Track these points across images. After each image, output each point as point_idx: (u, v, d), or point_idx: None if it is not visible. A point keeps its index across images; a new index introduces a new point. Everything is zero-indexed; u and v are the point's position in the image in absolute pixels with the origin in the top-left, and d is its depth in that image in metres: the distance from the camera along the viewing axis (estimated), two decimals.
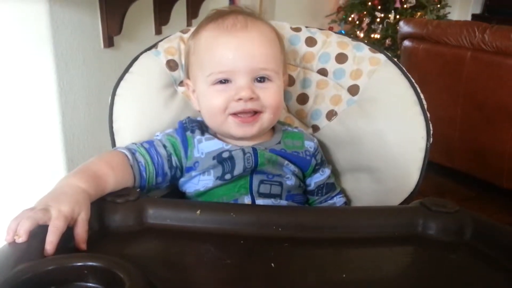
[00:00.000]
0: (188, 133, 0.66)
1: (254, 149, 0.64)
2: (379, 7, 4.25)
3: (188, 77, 0.71)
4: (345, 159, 0.73)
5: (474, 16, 5.03)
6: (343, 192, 0.74)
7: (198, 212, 0.54)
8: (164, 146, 0.64)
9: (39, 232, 0.43)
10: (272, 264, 0.47)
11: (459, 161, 2.20)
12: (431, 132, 0.68)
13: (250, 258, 0.49)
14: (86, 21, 1.24)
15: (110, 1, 1.28)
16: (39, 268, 0.38)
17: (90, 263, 0.39)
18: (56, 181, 1.13)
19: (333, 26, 4.66)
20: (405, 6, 4.14)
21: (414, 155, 0.67)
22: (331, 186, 0.72)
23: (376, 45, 0.79)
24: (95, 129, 1.30)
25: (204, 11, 2.32)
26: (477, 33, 2.13)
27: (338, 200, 0.71)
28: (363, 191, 0.72)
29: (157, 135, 0.67)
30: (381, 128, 0.69)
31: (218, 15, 0.67)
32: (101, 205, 0.53)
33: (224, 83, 0.63)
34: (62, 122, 1.16)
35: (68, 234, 0.45)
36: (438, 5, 4.41)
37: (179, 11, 1.97)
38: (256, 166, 0.63)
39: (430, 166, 0.69)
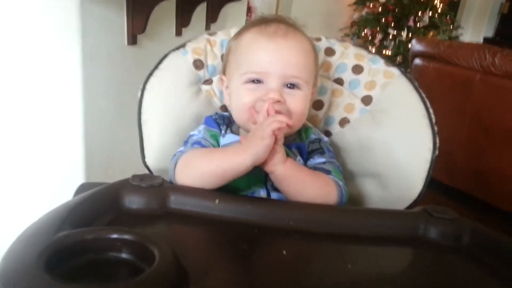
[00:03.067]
0: (221, 126, 0.72)
1: None
2: (393, 24, 4.30)
3: (224, 73, 0.75)
4: (353, 164, 0.77)
5: (485, 40, 5.07)
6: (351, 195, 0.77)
7: (217, 201, 0.58)
8: (211, 143, 0.69)
9: (78, 203, 0.48)
10: (284, 252, 0.51)
11: (461, 180, 2.22)
12: (437, 145, 0.72)
13: (263, 246, 0.53)
14: (113, 18, 1.30)
15: (137, 0, 1.34)
16: (79, 236, 0.43)
17: (125, 236, 0.44)
18: (74, 169, 1.17)
19: (346, 40, 4.70)
20: (418, 25, 4.19)
21: (419, 165, 0.72)
22: (320, 170, 0.70)
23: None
24: (113, 121, 1.36)
25: (223, 16, 2.38)
26: (487, 56, 2.15)
27: (330, 177, 0.69)
28: (368, 196, 0.76)
29: (195, 134, 0.71)
30: (390, 137, 0.74)
31: (262, 21, 0.72)
32: (127, 188, 0.58)
33: (256, 83, 0.68)
34: (84, 112, 1.21)
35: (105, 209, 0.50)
36: (451, 26, 4.46)
37: (199, 15, 2.03)
38: None
39: (432, 183, 0.72)
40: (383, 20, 4.28)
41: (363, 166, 0.76)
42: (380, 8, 4.31)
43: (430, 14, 4.17)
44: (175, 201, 0.58)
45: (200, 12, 2.03)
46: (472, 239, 0.58)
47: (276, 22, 0.71)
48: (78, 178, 1.24)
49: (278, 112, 0.64)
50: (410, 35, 4.08)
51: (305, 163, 0.71)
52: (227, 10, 2.41)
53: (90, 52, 1.19)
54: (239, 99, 0.69)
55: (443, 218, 0.60)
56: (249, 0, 2.64)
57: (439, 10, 4.23)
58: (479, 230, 0.59)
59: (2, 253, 0.41)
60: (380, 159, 0.74)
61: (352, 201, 0.76)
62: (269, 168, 0.61)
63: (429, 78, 2.38)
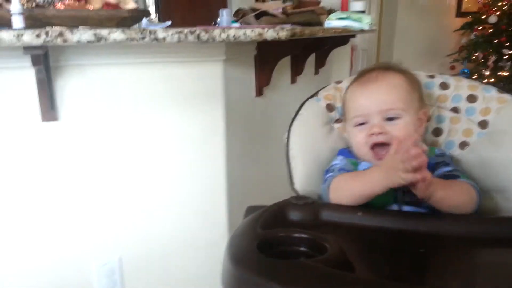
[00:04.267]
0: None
1: None
2: (507, 44, 4.08)
3: (345, 119, 0.94)
4: (477, 181, 0.86)
5: None
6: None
7: (360, 213, 0.74)
8: (351, 169, 0.86)
9: (262, 215, 0.67)
10: (421, 250, 0.64)
11: None
12: None
13: (402, 246, 0.67)
14: (245, 76, 1.57)
15: (262, 60, 1.60)
16: (275, 234, 0.62)
17: (303, 235, 0.62)
18: (219, 201, 1.40)
19: (455, 65, 4.59)
20: None
21: None
22: (450, 176, 0.79)
23: (506, 86, 0.92)
24: (248, 160, 1.60)
25: (330, 60, 2.60)
26: None
27: (462, 180, 0.78)
28: (495, 209, 0.84)
29: (337, 163, 0.88)
30: (510, 155, 0.83)
31: (359, 74, 0.92)
32: (287, 205, 0.77)
33: (362, 124, 0.85)
34: (227, 154, 1.46)
35: (277, 220, 0.69)
36: None
37: (310, 63, 2.26)
38: None
39: None
40: (496, 41, 4.09)
41: (486, 182, 0.85)
42: (491, 29, 4.14)
43: None
44: (326, 214, 0.75)
45: (310, 61, 2.27)
46: None
47: (370, 71, 0.89)
48: (222, 205, 1.48)
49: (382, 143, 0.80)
50: None
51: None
52: (333, 54, 2.62)
53: (230, 105, 1.45)
54: (355, 139, 0.87)
55: None
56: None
57: None
58: None
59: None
60: (502, 175, 0.83)
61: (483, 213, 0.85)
62: (424, 196, 0.72)
63: None
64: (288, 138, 0.94)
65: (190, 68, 1.34)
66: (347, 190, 0.79)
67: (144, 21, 1.36)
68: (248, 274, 0.53)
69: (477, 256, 0.68)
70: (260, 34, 1.17)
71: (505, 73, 4.02)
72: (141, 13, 1.24)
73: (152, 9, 3.41)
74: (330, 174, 0.85)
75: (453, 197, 0.73)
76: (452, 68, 4.60)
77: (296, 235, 0.62)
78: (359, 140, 0.85)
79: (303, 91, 1.64)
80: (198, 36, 1.09)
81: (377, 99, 0.84)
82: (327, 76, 2.61)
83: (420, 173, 0.67)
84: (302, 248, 0.62)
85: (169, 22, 1.40)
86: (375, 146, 0.84)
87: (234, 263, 0.56)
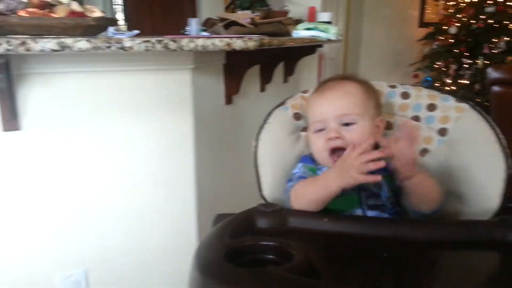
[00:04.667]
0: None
1: None
2: (467, 54, 4.27)
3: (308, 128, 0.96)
4: None
5: None
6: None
7: (326, 219, 0.76)
8: (310, 175, 0.88)
9: (230, 223, 0.68)
10: (385, 254, 0.67)
11: None
12: (511, 164, 0.84)
13: (365, 250, 0.69)
14: (214, 85, 1.57)
15: (231, 69, 1.61)
16: (242, 243, 0.63)
17: (270, 243, 0.63)
18: (189, 210, 1.39)
19: (418, 74, 4.75)
20: (493, 51, 4.11)
21: (495, 183, 0.83)
22: None
23: (463, 93, 0.97)
24: (217, 167, 1.61)
25: (298, 68, 2.64)
26: None
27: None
28: (454, 213, 0.88)
29: (297, 171, 0.90)
30: (468, 162, 0.87)
31: (320, 84, 0.96)
32: (255, 213, 0.77)
33: (321, 131, 0.88)
34: (196, 163, 1.46)
35: (246, 228, 0.70)
36: None
37: (278, 71, 2.29)
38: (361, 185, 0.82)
39: None
40: (456, 50, 4.27)
41: (446, 189, 0.89)
42: (452, 39, 4.32)
43: (507, 39, 4.08)
44: (293, 221, 0.77)
45: (279, 69, 2.30)
46: None
47: (328, 81, 0.94)
48: (191, 214, 1.47)
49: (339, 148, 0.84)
50: (487, 62, 4.01)
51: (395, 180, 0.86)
52: (301, 63, 2.67)
53: (199, 114, 1.45)
54: (314, 145, 0.91)
55: None
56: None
57: None
58: None
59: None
60: (461, 181, 0.87)
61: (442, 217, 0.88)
62: (408, 174, 0.77)
63: (510, 104, 2.37)
64: (256, 146, 0.95)
65: (158, 76, 1.33)
66: (305, 196, 0.81)
67: (111, 29, 1.35)
68: (215, 284, 0.53)
69: (438, 259, 0.71)
70: (229, 44, 1.18)
71: (465, 81, 4.19)
72: (107, 22, 1.22)
73: (120, 17, 3.36)
74: (290, 183, 0.87)
75: (427, 186, 0.78)
76: (416, 76, 4.77)
77: (263, 243, 0.63)
78: (319, 145, 0.88)
79: (272, 99, 1.66)
80: (166, 46, 1.09)
81: (333, 105, 0.88)
82: (295, 84, 2.65)
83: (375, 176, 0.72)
84: (269, 256, 0.62)
85: (137, 32, 1.39)
86: (334, 151, 0.86)
87: (201, 273, 0.56)
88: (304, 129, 0.99)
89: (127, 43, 1.04)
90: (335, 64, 4.23)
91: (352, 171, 0.74)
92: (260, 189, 0.93)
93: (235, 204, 0.88)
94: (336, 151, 0.86)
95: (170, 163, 1.41)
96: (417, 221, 0.74)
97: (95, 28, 1.18)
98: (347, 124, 0.87)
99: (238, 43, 1.18)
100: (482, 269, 0.69)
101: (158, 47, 1.08)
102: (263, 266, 0.61)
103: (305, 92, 1.03)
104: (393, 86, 0.99)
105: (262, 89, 2.08)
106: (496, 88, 2.45)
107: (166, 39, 1.09)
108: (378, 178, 0.73)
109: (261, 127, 0.97)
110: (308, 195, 0.81)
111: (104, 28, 1.25)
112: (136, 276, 1.41)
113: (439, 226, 0.75)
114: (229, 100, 1.69)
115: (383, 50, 5.03)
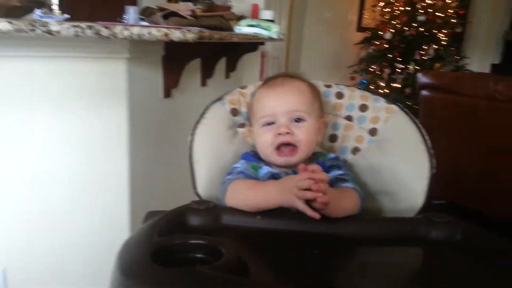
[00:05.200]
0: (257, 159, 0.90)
1: (294, 172, 0.85)
2: (400, 59, 4.50)
3: (250, 124, 0.95)
4: (366, 185, 0.93)
5: (494, 66, 5.15)
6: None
7: (259, 217, 0.75)
8: (251, 172, 0.87)
9: (160, 221, 0.65)
10: (315, 251, 0.67)
11: (474, 201, 2.28)
12: (434, 164, 0.88)
13: (297, 246, 0.70)
14: (152, 77, 1.52)
15: (170, 61, 1.56)
16: (170, 241, 0.60)
17: (199, 241, 0.61)
18: (121, 206, 1.32)
19: (355, 76, 4.95)
20: (424, 58, 4.38)
21: (420, 182, 0.88)
22: (340, 179, 0.84)
23: (394, 96, 1.01)
24: (153, 163, 1.55)
25: (240, 64, 2.63)
26: (491, 84, 2.24)
27: (348, 186, 0.82)
28: (383, 210, 0.91)
29: (238, 166, 0.88)
30: (395, 161, 0.91)
31: (267, 80, 0.95)
32: (187, 210, 0.75)
33: (270, 124, 0.87)
34: (130, 158, 1.40)
35: (177, 225, 0.67)
36: (458, 57, 4.63)
37: (220, 67, 2.27)
38: None
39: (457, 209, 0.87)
40: (390, 56, 4.50)
41: (374, 186, 0.92)
42: (386, 44, 4.54)
43: (436, 47, 4.37)
44: (226, 219, 0.75)
45: (221, 64, 2.27)
46: (464, 236, 0.73)
47: (276, 77, 0.93)
48: (124, 212, 1.41)
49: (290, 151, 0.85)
50: (418, 67, 4.27)
51: None
52: (244, 59, 2.66)
53: (135, 106, 1.39)
54: (261, 139, 0.89)
55: (440, 222, 0.75)
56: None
57: (444, 43, 4.43)
58: (470, 229, 0.74)
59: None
60: (389, 180, 0.91)
61: (370, 214, 0.91)
62: (319, 207, 0.72)
63: (437, 108, 2.51)
64: (191, 141, 0.92)
65: (90, 65, 1.25)
66: (242, 199, 0.80)
67: (39, 12, 1.25)
68: (138, 285, 0.50)
69: (366, 255, 0.73)
70: (167, 35, 1.14)
71: (397, 85, 4.43)
72: (33, 4, 1.13)
73: (55, 1, 3.14)
74: (229, 177, 0.85)
75: (341, 206, 0.77)
76: (352, 78, 4.96)
77: (192, 241, 0.61)
78: (266, 139, 0.87)
79: (213, 94, 1.63)
80: (98, 32, 1.02)
81: (284, 100, 0.87)
82: (237, 80, 2.64)
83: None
84: (198, 255, 0.61)
85: (67, 16, 1.30)
86: (281, 145, 0.86)
87: (124, 274, 0.53)
88: (242, 125, 0.98)
89: (54, 27, 0.97)
90: (277, 63, 4.28)
91: (294, 195, 0.71)
92: (194, 186, 0.91)
93: (171, 201, 0.85)
94: (282, 147, 0.86)
95: (101, 157, 1.33)
96: (346, 219, 0.76)
97: (20, 9, 1.09)
98: (297, 120, 0.87)
99: (177, 35, 1.15)
100: (407, 264, 0.72)
101: (89, 33, 1.01)
102: (192, 265, 0.59)
103: (243, 87, 1.02)
104: (328, 86, 1.01)
105: (203, 83, 2.04)
106: (424, 93, 2.58)
107: (98, 25, 1.03)
108: (316, 215, 0.71)
109: (197, 122, 0.94)
110: (245, 199, 0.79)
111: (29, 10, 1.16)
112: (60, 275, 1.33)
113: (368, 224, 0.77)
114: (167, 94, 1.64)
115: (323, 52, 5.18)
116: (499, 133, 2.23)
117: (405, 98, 4.15)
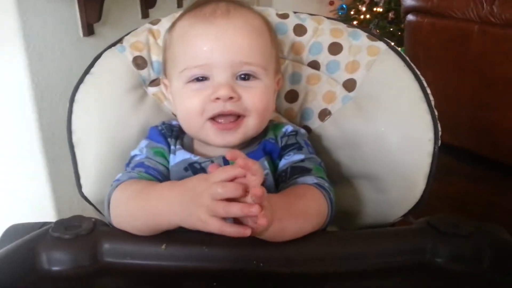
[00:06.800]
0: (169, 139, 0.58)
1: (225, 161, 0.54)
2: None
3: (165, 75, 0.61)
4: (340, 165, 0.64)
5: None
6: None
7: (163, 246, 0.45)
8: (157, 162, 0.56)
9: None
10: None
11: (467, 140, 2.13)
12: (440, 133, 0.59)
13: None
14: (61, 9, 1.14)
15: None
16: None
17: None
18: (38, 183, 1.02)
19: (334, 1, 4.51)
20: None
21: (420, 160, 0.58)
22: (299, 169, 0.56)
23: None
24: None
25: None
26: (485, 5, 2.02)
27: (309, 179, 0.54)
28: (362, 201, 0.63)
29: (137, 153, 0.57)
30: (382, 129, 0.60)
31: (197, 3, 0.57)
32: (47, 242, 0.45)
33: (201, 80, 0.54)
34: (39, 120, 1.08)
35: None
36: None
37: None
38: None
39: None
40: None
41: (352, 167, 0.63)
42: None
43: None
44: (110, 252, 0.45)
45: None
46: (494, 259, 0.45)
47: (215, 1, 0.56)
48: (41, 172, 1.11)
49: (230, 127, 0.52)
50: None
51: (278, 164, 0.58)
52: None
53: (37, 53, 1.05)
54: (184, 105, 0.55)
55: (454, 235, 0.47)
56: None
57: None
58: (503, 246, 0.47)
59: None
60: (372, 157, 0.60)
61: (343, 211, 0.63)
62: (257, 233, 0.43)
63: (424, 34, 2.26)
64: (69, 114, 0.60)
65: None
66: (126, 217, 0.49)
67: None
68: None
69: None
70: None
71: (380, 9, 4.04)
72: None
73: None
74: (119, 175, 0.54)
75: (294, 223, 0.47)
76: (332, 3, 4.52)
77: None
78: (193, 106, 0.54)
79: None
80: None
81: (228, 44, 0.53)
82: None
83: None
84: None
85: None
86: (218, 116, 0.54)
87: None
88: (154, 82, 0.65)
89: None
90: None
91: (202, 209, 0.41)
92: (78, 184, 0.60)
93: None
94: (220, 117, 0.54)
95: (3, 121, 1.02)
96: (304, 240, 0.46)
97: None
98: (245, 78, 0.54)
99: None
100: None
101: None
102: None
103: (155, 22, 0.67)
104: (284, 16, 0.66)
105: (145, 15, 1.65)
106: (410, 17, 2.32)
107: None
108: (246, 232, 0.41)
109: (80, 81, 0.61)
110: (129, 216, 0.49)
111: None
112: None
113: (341, 245, 0.48)
114: (89, 31, 1.27)
115: None
116: (493, 62, 2.00)
117: (387, 24, 3.79)
